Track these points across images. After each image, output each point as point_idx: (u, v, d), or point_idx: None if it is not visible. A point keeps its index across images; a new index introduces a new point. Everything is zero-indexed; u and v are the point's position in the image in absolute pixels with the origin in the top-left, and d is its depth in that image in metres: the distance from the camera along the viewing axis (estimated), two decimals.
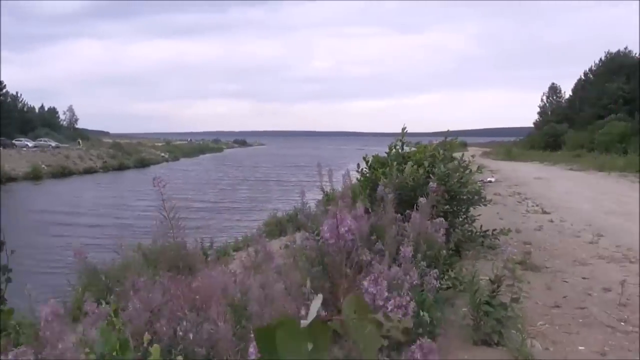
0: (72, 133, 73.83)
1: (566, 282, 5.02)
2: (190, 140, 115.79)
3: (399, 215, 3.97)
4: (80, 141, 57.64)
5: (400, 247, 3.02)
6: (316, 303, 0.65)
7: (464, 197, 5.42)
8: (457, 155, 6.00)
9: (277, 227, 13.12)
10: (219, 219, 22.73)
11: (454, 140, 6.00)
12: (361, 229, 3.82)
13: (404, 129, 5.76)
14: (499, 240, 6.05)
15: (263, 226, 13.72)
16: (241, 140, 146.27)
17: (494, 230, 5.95)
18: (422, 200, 3.47)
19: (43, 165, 41.95)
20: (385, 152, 6.19)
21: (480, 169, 5.81)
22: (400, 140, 5.78)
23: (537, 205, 10.51)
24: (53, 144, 54.22)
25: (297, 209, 13.28)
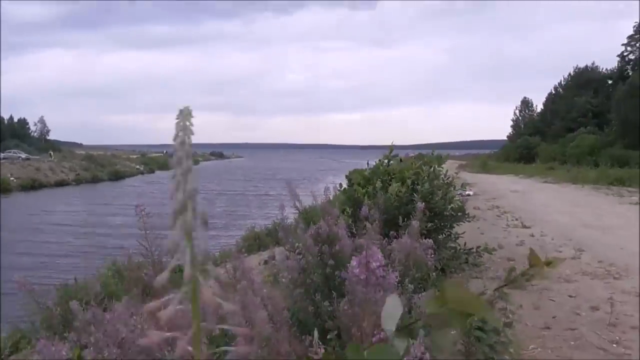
0: (43, 145, 72.22)
1: (553, 300, 4.91)
2: (166, 152, 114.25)
3: (384, 237, 3.80)
4: (52, 153, 56.32)
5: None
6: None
7: (448, 214, 5.29)
8: (438, 169, 5.88)
9: (255, 242, 12.85)
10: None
11: (440, 156, 5.89)
12: (344, 249, 3.63)
13: (391, 147, 5.62)
14: (482, 257, 5.93)
15: (241, 241, 13.47)
16: (218, 152, 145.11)
17: (478, 247, 5.84)
18: (413, 223, 3.30)
19: (12, 178, 40.75)
20: (366, 168, 6.04)
21: (464, 186, 5.71)
22: (387, 157, 5.63)
23: (516, 219, 10.49)
24: (23, 155, 52.86)
25: (276, 224, 13.11)
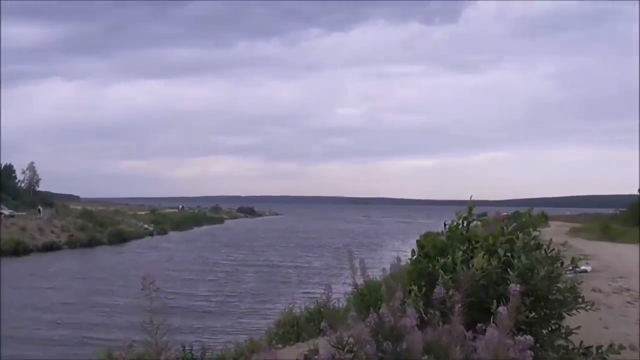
0: (31, 198, 75.68)
1: None
2: (182, 207, 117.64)
3: (467, 329, 3.67)
4: (42, 208, 58.90)
5: None
6: None
7: (555, 299, 5.08)
8: (539, 235, 5.71)
9: (293, 329, 12.78)
10: (214, 315, 22.56)
11: (537, 215, 5.74)
12: (412, 347, 3.53)
13: (471, 205, 5.53)
14: None
15: (274, 327, 13.43)
16: (248, 208, 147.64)
17: (599, 347, 5.54)
18: (501, 311, 3.19)
19: None
20: (443, 231, 5.96)
21: (576, 260, 5.50)
22: (466, 217, 5.53)
23: None
24: (6, 212, 55.39)
25: (319, 304, 13.03)
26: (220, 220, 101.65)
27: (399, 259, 4.38)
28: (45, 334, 19.04)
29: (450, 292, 3.85)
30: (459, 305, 3.68)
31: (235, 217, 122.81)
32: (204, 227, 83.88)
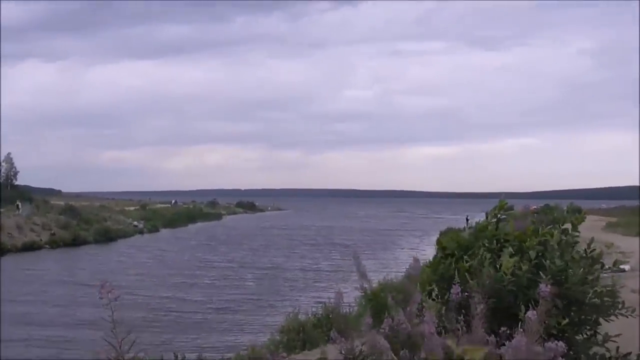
0: (9, 192, 75.88)
1: None
2: (175, 202, 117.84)
3: (491, 335, 3.68)
4: (20, 204, 59.09)
5: None
6: None
7: (591, 303, 5.08)
8: (575, 233, 5.69)
9: (298, 336, 12.83)
10: (210, 323, 22.64)
11: (579, 210, 5.73)
12: (431, 355, 3.54)
13: (503, 201, 5.52)
14: None
15: (278, 334, 13.49)
16: (248, 202, 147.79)
17: None
18: (530, 316, 3.20)
19: None
20: (465, 227, 5.95)
21: (619, 262, 5.49)
22: (496, 213, 5.53)
23: None
24: None
25: (327, 309, 13.07)
26: (218, 217, 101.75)
27: (416, 260, 4.38)
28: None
29: (475, 297, 3.86)
30: (482, 307, 3.69)
31: (234, 213, 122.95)
32: (200, 224, 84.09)
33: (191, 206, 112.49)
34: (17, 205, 58.13)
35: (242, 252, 47.46)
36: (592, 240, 5.22)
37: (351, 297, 12.47)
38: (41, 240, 49.40)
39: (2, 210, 56.16)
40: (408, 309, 3.65)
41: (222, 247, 50.96)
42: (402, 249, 47.93)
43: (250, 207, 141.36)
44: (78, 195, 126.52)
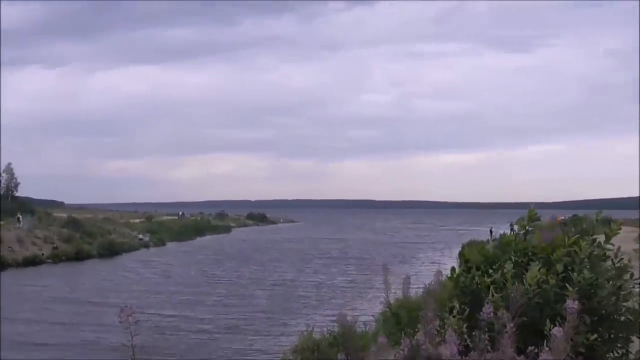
0: (9, 204, 76.41)
1: None
2: (182, 214, 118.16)
3: (518, 354, 3.68)
4: (21, 216, 59.52)
5: None
6: None
7: (623, 320, 5.04)
8: (607, 246, 5.67)
9: (312, 355, 12.81)
10: (218, 342, 22.64)
11: (610, 221, 5.70)
12: None
13: (533, 211, 5.51)
14: None
15: (291, 353, 13.47)
16: (258, 214, 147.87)
17: None
18: (556, 332, 3.20)
19: None
20: (488, 239, 5.94)
21: None
22: (524, 224, 5.52)
23: None
24: None
25: (344, 326, 13.04)
26: (227, 229, 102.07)
27: (439, 273, 4.39)
28: None
29: (500, 312, 3.85)
30: (510, 326, 3.69)
31: (244, 225, 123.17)
32: (208, 237, 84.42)
33: (199, 218, 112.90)
34: (18, 218, 58.51)
35: (252, 266, 47.51)
36: (618, 249, 5.20)
37: (370, 313, 12.46)
38: (43, 254, 49.66)
39: (2, 222, 56.57)
40: (427, 327, 3.65)
41: (231, 262, 51.02)
42: (422, 262, 47.79)
43: (261, 219, 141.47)
44: (81, 207, 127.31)
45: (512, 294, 4.31)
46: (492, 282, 4.84)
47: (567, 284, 4.77)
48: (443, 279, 5.89)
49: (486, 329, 3.97)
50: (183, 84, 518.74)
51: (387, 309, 6.61)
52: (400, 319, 6.09)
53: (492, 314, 4.01)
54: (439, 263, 42.16)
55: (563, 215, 24.14)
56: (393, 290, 7.37)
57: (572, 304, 3.72)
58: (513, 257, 5.21)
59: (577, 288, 4.70)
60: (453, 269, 5.91)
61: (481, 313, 4.09)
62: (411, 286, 7.04)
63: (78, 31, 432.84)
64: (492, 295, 4.49)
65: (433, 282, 4.64)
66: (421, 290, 7.21)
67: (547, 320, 4.33)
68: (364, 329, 10.35)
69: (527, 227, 5.57)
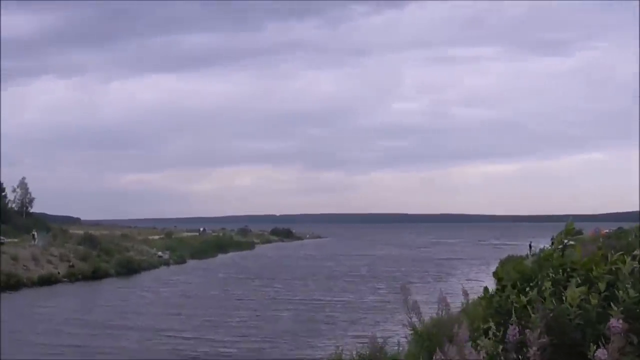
0: (24, 221, 77.32)
1: None
2: (203, 230, 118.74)
3: None
4: (36, 233, 60.23)
5: None
6: None
7: None
8: None
9: None
10: None
11: None
12: None
13: (571, 224, 5.48)
14: None
15: None
16: (283, 230, 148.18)
17: None
18: (600, 354, 3.18)
19: None
20: (527, 254, 5.90)
21: None
22: (562, 239, 5.48)
23: None
24: None
25: (375, 347, 13.02)
26: (250, 246, 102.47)
27: (466, 293, 4.38)
28: None
29: (536, 333, 3.82)
30: (546, 347, 3.66)
31: (268, 241, 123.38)
32: (230, 254, 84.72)
33: (220, 234, 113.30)
34: (33, 235, 59.21)
35: (277, 285, 47.53)
36: None
37: (402, 334, 12.38)
38: (59, 272, 50.10)
39: (16, 240, 57.28)
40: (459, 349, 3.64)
41: (255, 281, 51.08)
42: (459, 280, 47.52)
43: (286, 235, 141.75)
44: (98, 223, 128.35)
45: (550, 315, 4.27)
46: (529, 301, 4.80)
47: (610, 303, 4.72)
48: (476, 298, 5.87)
49: (522, 349, 3.95)
50: (204, 92, 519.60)
51: (415, 330, 6.57)
52: (430, 341, 6.06)
53: (520, 334, 3.98)
54: (475, 280, 41.94)
55: (607, 228, 23.80)
56: (425, 310, 7.34)
57: (616, 323, 3.67)
58: (551, 274, 5.18)
59: (622, 307, 4.65)
60: (486, 288, 5.88)
61: (507, 334, 4.07)
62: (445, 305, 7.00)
63: (93, 39, 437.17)
64: (528, 315, 4.46)
65: (464, 302, 4.63)
66: (456, 309, 7.20)
67: (591, 343, 4.30)
68: (396, 350, 10.32)
69: (565, 242, 5.52)
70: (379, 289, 44.08)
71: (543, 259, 5.74)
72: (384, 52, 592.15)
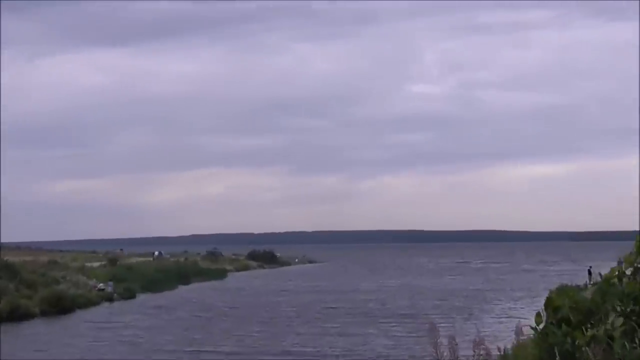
0: None
1: None
2: (159, 254, 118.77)
3: None
4: None
5: None
6: None
7: None
8: None
9: None
10: None
11: None
12: None
13: None
14: None
15: None
16: (265, 252, 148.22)
17: None
18: None
19: None
20: (587, 283, 5.85)
21: None
22: (632, 262, 5.44)
23: None
24: None
25: None
26: (221, 274, 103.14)
27: (520, 332, 4.31)
28: None
29: None
30: None
31: (245, 268, 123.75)
32: (194, 286, 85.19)
33: (182, 260, 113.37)
34: None
35: (253, 328, 47.23)
36: None
37: None
38: None
39: None
40: None
41: (224, 323, 50.89)
42: (499, 318, 47.54)
43: (269, 260, 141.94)
44: (19, 247, 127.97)
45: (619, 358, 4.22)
46: (593, 339, 4.75)
47: None
48: (524, 339, 5.85)
49: None
50: (162, 73, 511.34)
51: None
52: None
53: None
54: (517, 317, 41.88)
55: None
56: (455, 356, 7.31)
57: None
58: (619, 306, 5.12)
59: None
60: (535, 328, 5.86)
61: None
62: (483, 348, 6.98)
63: (14, 3, 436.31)
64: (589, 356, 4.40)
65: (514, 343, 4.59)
66: (495, 354, 7.14)
67: None
68: None
69: (635, 264, 5.47)
70: (391, 331, 43.99)
71: (606, 284, 5.66)
72: (396, 19, 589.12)
